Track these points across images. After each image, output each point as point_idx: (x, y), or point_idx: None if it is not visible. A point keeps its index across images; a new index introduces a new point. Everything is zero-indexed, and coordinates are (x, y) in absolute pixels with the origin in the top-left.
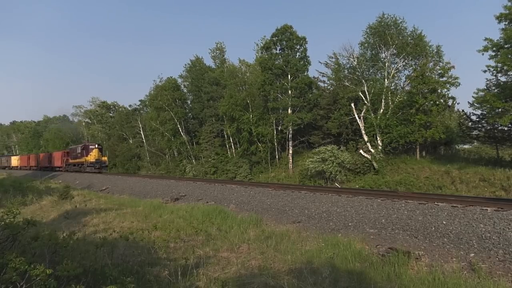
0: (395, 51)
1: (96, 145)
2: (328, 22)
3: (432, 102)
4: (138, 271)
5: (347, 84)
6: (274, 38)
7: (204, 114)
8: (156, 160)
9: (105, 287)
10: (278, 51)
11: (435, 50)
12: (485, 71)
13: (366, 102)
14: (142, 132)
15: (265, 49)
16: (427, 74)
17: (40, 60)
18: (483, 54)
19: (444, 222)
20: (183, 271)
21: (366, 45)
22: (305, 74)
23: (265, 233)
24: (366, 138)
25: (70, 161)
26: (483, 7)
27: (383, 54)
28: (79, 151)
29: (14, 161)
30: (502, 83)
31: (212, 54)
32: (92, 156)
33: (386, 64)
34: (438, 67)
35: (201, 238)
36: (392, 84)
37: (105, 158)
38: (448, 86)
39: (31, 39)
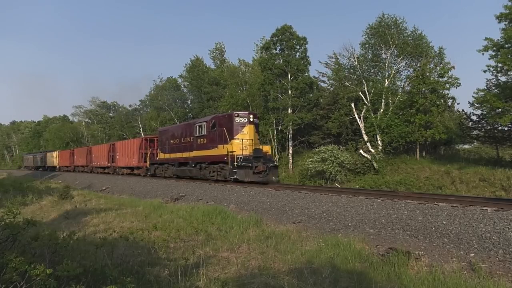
0: (396, 52)
1: (251, 116)
2: (328, 22)
3: (432, 102)
4: (138, 271)
5: (347, 84)
6: (274, 38)
7: (204, 114)
8: None
9: (105, 287)
10: (278, 51)
11: (437, 52)
12: (485, 71)
13: (366, 102)
14: (142, 132)
15: (265, 49)
16: (427, 75)
17: (40, 60)
18: (483, 54)
19: (444, 222)
20: (183, 271)
21: (367, 45)
22: (306, 74)
23: (265, 233)
24: (366, 138)
25: (165, 156)
26: (483, 7)
27: (384, 55)
28: (204, 132)
29: (52, 159)
30: (502, 83)
31: (212, 54)
32: (245, 142)
33: (387, 65)
34: (438, 68)
35: (201, 238)
36: (393, 84)
37: (267, 149)
38: (448, 86)
39: (31, 39)
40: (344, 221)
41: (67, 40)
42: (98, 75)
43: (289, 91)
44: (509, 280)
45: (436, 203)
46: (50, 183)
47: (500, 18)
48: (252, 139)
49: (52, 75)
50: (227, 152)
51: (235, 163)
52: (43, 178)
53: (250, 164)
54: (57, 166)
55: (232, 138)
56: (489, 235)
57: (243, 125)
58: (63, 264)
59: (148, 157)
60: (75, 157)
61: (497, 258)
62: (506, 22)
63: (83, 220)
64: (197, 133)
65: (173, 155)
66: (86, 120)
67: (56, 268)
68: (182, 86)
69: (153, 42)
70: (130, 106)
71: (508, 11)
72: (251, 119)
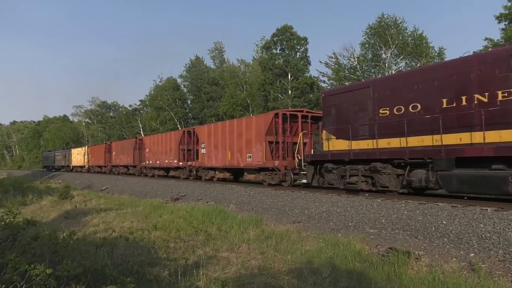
0: (396, 52)
1: None
2: (328, 21)
3: None
4: (138, 271)
5: (347, 84)
6: (274, 38)
7: (204, 114)
8: None
9: (105, 287)
10: (278, 51)
11: (438, 52)
12: None
13: None
14: (142, 132)
15: (265, 49)
16: None
17: (40, 59)
18: None
19: (444, 222)
20: (183, 271)
21: (367, 45)
22: (307, 74)
23: (265, 233)
24: None
25: (363, 144)
26: (483, 7)
27: (384, 55)
28: None
29: (80, 157)
30: None
31: (211, 54)
32: None
33: (387, 65)
34: None
35: (201, 238)
36: None
37: None
38: None
39: (31, 39)
40: (344, 221)
41: (68, 40)
42: (98, 74)
43: (289, 91)
44: (509, 280)
45: (436, 203)
46: (50, 183)
47: (500, 18)
48: None
49: (52, 75)
50: None
51: None
52: (43, 178)
53: None
54: (86, 166)
55: None
56: (489, 235)
57: None
58: (63, 264)
59: (297, 150)
60: (113, 154)
61: (497, 258)
62: (506, 22)
63: (83, 220)
64: None
65: (428, 139)
66: (86, 120)
67: (56, 268)
68: (182, 86)
69: (153, 42)
70: (130, 106)
71: (508, 11)
72: None
